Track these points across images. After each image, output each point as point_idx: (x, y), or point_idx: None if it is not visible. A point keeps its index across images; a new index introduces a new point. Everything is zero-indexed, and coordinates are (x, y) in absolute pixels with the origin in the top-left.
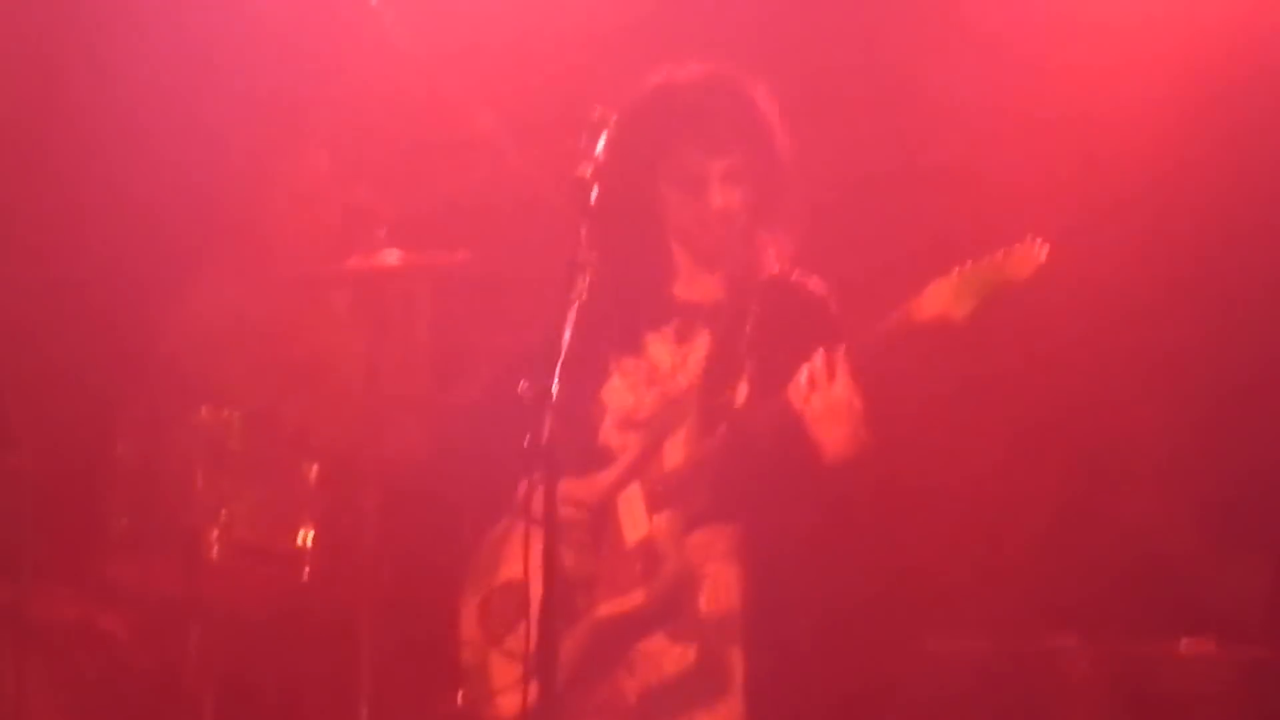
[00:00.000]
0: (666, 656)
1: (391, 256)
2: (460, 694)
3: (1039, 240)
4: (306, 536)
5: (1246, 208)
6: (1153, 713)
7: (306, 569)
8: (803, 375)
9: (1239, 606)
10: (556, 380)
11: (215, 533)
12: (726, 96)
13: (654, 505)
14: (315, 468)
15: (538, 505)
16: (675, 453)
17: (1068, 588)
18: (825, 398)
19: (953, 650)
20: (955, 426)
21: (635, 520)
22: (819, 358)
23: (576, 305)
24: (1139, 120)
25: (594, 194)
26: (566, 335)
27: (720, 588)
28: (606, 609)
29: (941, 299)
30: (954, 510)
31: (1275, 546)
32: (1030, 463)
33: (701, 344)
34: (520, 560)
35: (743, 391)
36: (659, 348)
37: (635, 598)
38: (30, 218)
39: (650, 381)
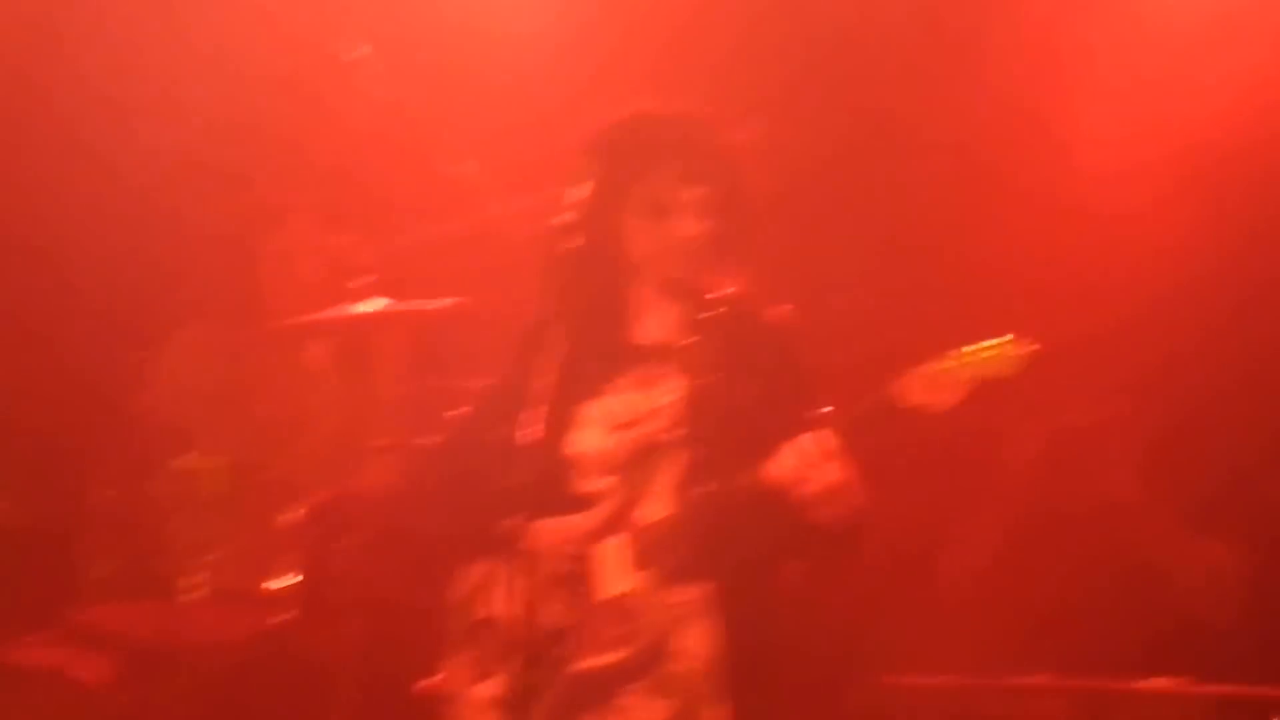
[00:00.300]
0: (646, 707)
1: (373, 304)
2: None
3: (1026, 339)
4: (287, 581)
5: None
6: None
7: (287, 613)
8: (790, 454)
9: (1209, 643)
10: (528, 425)
11: (194, 578)
12: (699, 130)
13: (631, 559)
14: (294, 513)
15: (516, 550)
16: (658, 506)
17: (1037, 626)
18: (811, 484)
19: (924, 688)
20: (922, 471)
21: (612, 574)
22: (808, 440)
23: (547, 349)
24: (1141, 204)
25: (567, 240)
26: (537, 379)
27: (698, 636)
28: (585, 661)
29: (925, 389)
30: (922, 550)
31: (1242, 582)
32: (997, 503)
33: (670, 387)
34: (499, 606)
35: (717, 439)
36: (627, 392)
37: (615, 651)
38: (10, 266)
39: (620, 426)
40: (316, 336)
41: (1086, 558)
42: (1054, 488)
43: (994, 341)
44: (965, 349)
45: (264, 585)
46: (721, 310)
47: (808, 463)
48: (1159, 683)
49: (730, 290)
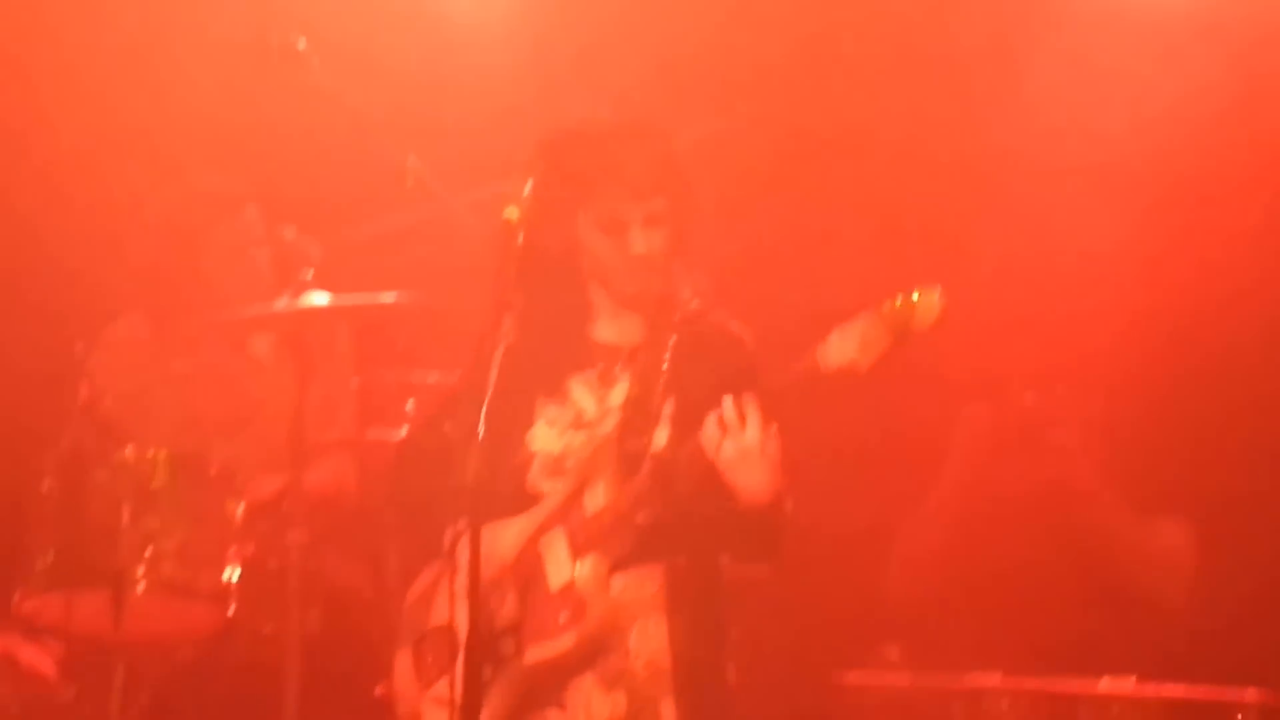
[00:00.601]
0: (598, 702)
1: (318, 298)
2: None
3: (939, 287)
4: (232, 574)
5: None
6: None
7: (232, 606)
8: (713, 422)
9: (1159, 646)
10: (483, 422)
11: (140, 570)
12: (645, 142)
13: (577, 550)
14: (241, 505)
15: (463, 550)
16: (597, 498)
17: (988, 626)
18: (736, 444)
19: (874, 687)
20: (870, 465)
21: (559, 566)
22: (729, 404)
23: (503, 346)
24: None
25: (520, 236)
26: (492, 376)
27: (647, 632)
28: (534, 655)
29: (847, 349)
30: (873, 548)
31: (1192, 586)
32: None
33: (622, 388)
34: (447, 606)
35: (661, 435)
36: (582, 392)
37: (562, 643)
38: None
39: (576, 426)
40: (262, 329)
41: (1036, 542)
42: (1002, 472)
43: (909, 295)
44: (883, 304)
45: (209, 578)
46: (677, 318)
47: (726, 425)
48: (1119, 685)
49: (687, 298)
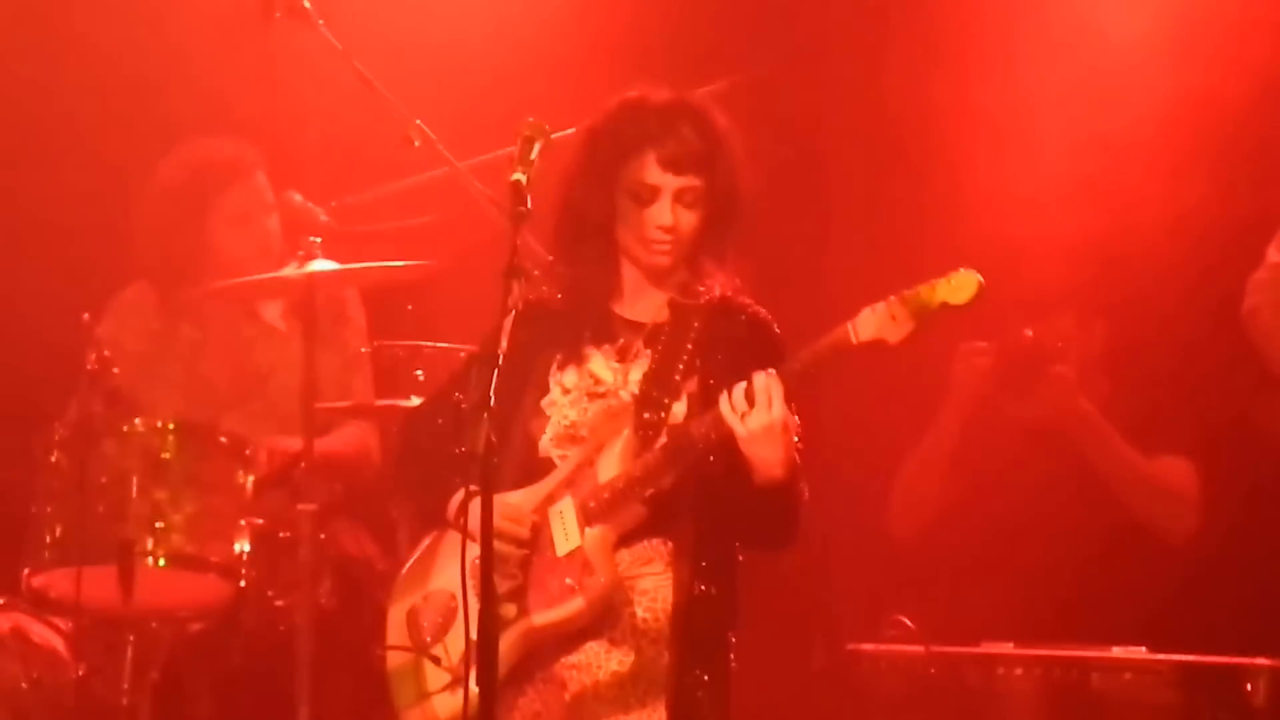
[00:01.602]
0: (602, 664)
1: (326, 264)
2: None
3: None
4: (243, 546)
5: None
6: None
7: (243, 578)
8: (736, 395)
9: (1169, 612)
10: (493, 391)
11: (150, 542)
12: (697, 119)
13: (587, 518)
14: (251, 477)
15: (474, 514)
16: (610, 467)
17: (1002, 593)
18: (759, 419)
19: (885, 654)
20: (886, 435)
21: (566, 533)
22: (759, 378)
23: (513, 314)
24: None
25: (528, 200)
26: (503, 344)
27: (654, 600)
28: (539, 619)
29: (878, 324)
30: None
31: (1200, 553)
32: (961, 475)
33: (642, 364)
34: (455, 568)
35: (680, 410)
36: (600, 363)
37: (567, 609)
38: None
39: (592, 395)
40: (271, 296)
41: (1040, 481)
42: (1005, 406)
43: (945, 276)
44: (918, 285)
45: (220, 550)
46: (704, 301)
47: (749, 400)
48: (1131, 652)
49: (714, 282)
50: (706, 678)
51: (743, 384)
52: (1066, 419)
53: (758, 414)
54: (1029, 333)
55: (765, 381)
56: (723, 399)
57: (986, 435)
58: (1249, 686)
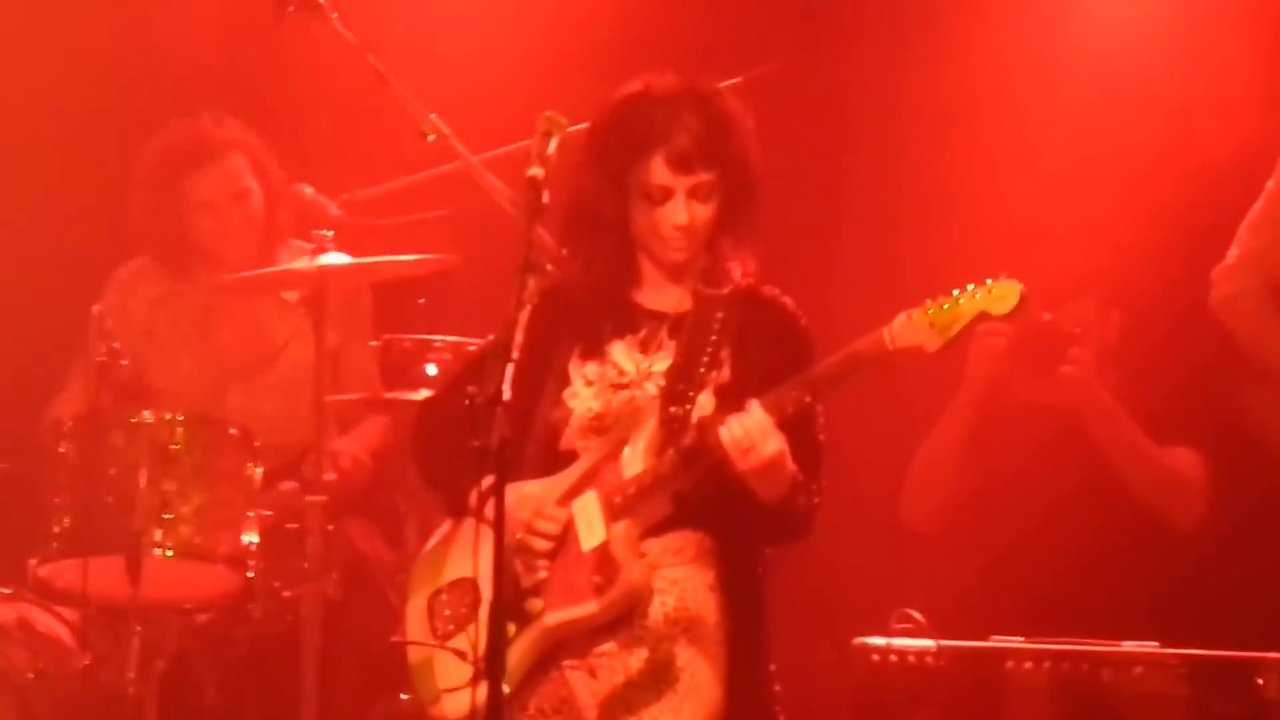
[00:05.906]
0: (619, 662)
1: (338, 258)
2: (405, 695)
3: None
4: (251, 537)
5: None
6: (1095, 713)
7: (251, 570)
8: (734, 428)
9: (1181, 606)
10: (508, 385)
11: (158, 533)
12: (703, 109)
13: (612, 513)
14: (260, 469)
15: (490, 508)
16: (635, 461)
17: (1012, 587)
18: (750, 462)
19: (893, 648)
20: (895, 427)
21: (591, 527)
22: (755, 408)
23: (528, 308)
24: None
25: (545, 195)
26: (518, 338)
27: (685, 590)
28: (561, 615)
29: (917, 331)
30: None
31: (1212, 548)
32: (974, 464)
33: (665, 355)
34: (470, 561)
35: (705, 402)
36: (623, 354)
37: (591, 605)
38: None
39: (615, 386)
40: (282, 288)
41: (1052, 465)
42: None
43: (985, 283)
44: (956, 292)
45: (228, 542)
46: (727, 291)
47: (741, 439)
48: (1142, 646)
49: (736, 272)
50: (746, 670)
51: (739, 416)
52: (1081, 401)
53: (751, 456)
54: (1047, 316)
55: (757, 420)
56: (723, 430)
57: (1001, 426)
58: (1260, 681)
